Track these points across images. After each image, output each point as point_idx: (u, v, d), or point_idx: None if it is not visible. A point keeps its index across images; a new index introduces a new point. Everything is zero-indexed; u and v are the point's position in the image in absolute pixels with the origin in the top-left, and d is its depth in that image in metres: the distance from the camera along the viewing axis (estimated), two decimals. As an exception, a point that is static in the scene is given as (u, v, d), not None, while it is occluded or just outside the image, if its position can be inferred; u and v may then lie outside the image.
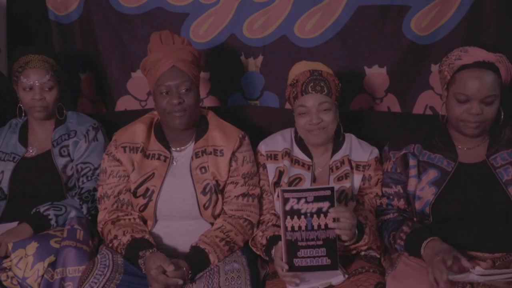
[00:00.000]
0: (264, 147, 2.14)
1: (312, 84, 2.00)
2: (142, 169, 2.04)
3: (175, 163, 2.08)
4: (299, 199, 1.75)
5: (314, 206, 1.75)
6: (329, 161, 2.09)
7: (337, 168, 2.07)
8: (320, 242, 1.76)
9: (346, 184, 2.02)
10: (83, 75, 2.67)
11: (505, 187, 1.85)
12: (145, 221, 2.06)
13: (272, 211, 2.08)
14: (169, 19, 2.52)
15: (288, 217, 1.76)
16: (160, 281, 1.77)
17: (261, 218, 2.08)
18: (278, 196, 1.84)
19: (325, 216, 1.75)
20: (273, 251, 1.89)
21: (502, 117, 1.88)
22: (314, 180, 2.08)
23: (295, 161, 2.10)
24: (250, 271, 1.90)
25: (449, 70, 1.89)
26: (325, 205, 1.75)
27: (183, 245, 2.00)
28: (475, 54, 1.84)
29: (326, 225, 1.75)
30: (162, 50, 1.99)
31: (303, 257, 1.76)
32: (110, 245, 1.99)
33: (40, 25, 2.61)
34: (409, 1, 2.40)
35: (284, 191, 1.77)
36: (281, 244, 1.78)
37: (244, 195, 2.05)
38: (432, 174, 1.93)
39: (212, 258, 1.91)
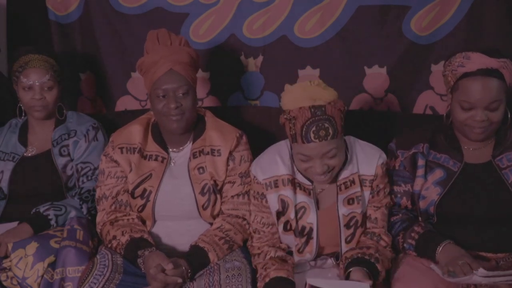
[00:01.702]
0: (260, 174, 1.91)
1: (314, 128, 1.71)
2: (139, 170, 2.04)
3: (173, 164, 2.07)
4: None
5: None
6: (334, 179, 1.89)
7: (347, 187, 1.87)
8: None
9: (357, 209, 1.87)
10: (83, 75, 2.67)
11: (510, 188, 1.84)
12: (143, 222, 2.05)
13: (273, 244, 1.90)
14: (169, 19, 2.50)
15: None
16: (159, 280, 1.77)
17: (259, 250, 1.91)
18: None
19: None
20: None
21: (510, 118, 1.87)
22: (317, 206, 1.90)
23: (297, 185, 1.89)
24: (250, 269, 1.90)
25: (452, 76, 1.87)
26: None
27: (182, 245, 2.00)
28: (478, 61, 1.81)
29: None
30: (159, 52, 1.98)
31: None
32: (109, 245, 1.99)
33: (40, 25, 2.61)
34: (409, 1, 2.39)
35: (312, 286, 1.62)
36: None
37: (241, 194, 2.04)
38: (438, 174, 1.92)
39: (212, 256, 1.91)
